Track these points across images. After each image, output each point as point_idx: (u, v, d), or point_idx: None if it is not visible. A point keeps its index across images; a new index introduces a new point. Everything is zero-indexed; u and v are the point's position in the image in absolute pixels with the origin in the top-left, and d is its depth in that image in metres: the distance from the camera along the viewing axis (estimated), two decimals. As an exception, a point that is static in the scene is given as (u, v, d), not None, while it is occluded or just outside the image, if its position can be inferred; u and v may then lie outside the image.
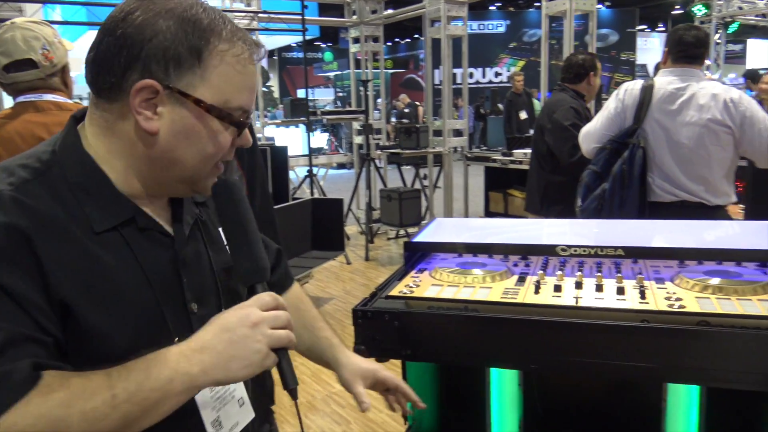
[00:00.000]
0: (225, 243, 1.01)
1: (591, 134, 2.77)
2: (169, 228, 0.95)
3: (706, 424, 1.65)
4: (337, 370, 1.29)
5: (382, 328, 1.33)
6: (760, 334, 1.12)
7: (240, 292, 1.02)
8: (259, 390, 1.19)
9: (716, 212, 2.54)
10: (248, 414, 1.04)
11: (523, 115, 8.66)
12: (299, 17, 6.50)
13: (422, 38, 8.77)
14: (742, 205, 3.38)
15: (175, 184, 0.92)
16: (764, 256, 1.40)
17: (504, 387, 1.82)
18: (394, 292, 1.40)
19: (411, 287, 1.42)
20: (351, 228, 7.02)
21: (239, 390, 1.03)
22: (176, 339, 0.86)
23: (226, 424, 0.98)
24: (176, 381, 0.79)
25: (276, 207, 4.58)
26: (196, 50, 0.84)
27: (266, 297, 0.87)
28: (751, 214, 3.30)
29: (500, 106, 10.93)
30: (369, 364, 1.29)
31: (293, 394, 0.88)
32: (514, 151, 5.64)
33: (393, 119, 13.36)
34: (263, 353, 0.83)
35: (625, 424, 1.68)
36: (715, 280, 1.31)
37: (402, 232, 6.58)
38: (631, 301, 1.27)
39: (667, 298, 1.26)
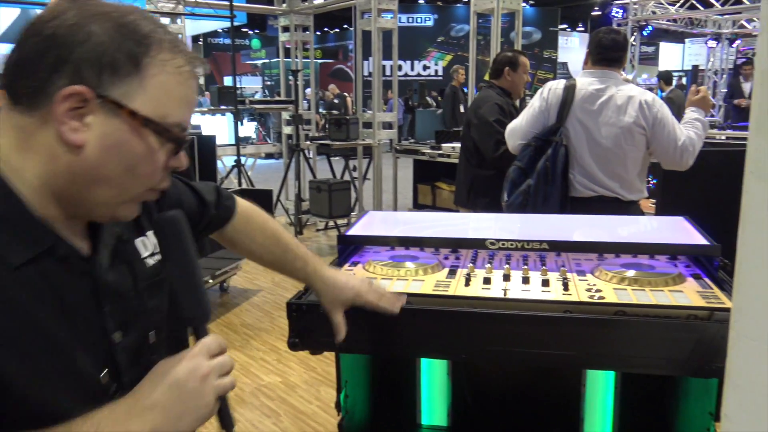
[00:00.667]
0: (147, 254, 0.95)
1: (516, 131, 2.87)
2: (88, 251, 0.86)
3: (621, 407, 1.76)
4: (316, 290, 1.29)
5: (316, 321, 1.34)
6: (669, 323, 1.21)
7: (162, 307, 0.98)
8: None
9: (630, 207, 2.69)
10: None
11: (463, 108, 8.81)
12: (227, 3, 6.34)
13: (352, 29, 8.76)
14: (653, 200, 3.60)
15: (97, 207, 0.83)
16: (674, 250, 1.50)
17: (434, 377, 1.87)
18: (329, 285, 1.41)
19: (345, 280, 1.44)
20: (280, 219, 6.95)
21: None
22: (104, 371, 0.82)
23: None
24: None
25: (203, 198, 4.49)
26: (134, 57, 0.77)
27: (212, 343, 0.83)
28: (661, 208, 3.53)
29: (429, 99, 11.06)
30: (347, 291, 1.26)
31: None
32: (443, 144, 5.74)
33: (321, 110, 13.29)
34: (210, 406, 0.80)
35: (548, 409, 1.76)
36: (631, 273, 1.39)
37: (331, 223, 6.58)
38: (555, 292, 1.33)
39: (588, 290, 1.34)
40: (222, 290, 4.77)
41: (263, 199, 4.98)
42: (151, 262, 0.97)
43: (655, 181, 3.71)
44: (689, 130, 2.62)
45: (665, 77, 10.53)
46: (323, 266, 1.29)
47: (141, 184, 0.83)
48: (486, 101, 3.52)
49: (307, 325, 1.35)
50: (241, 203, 1.26)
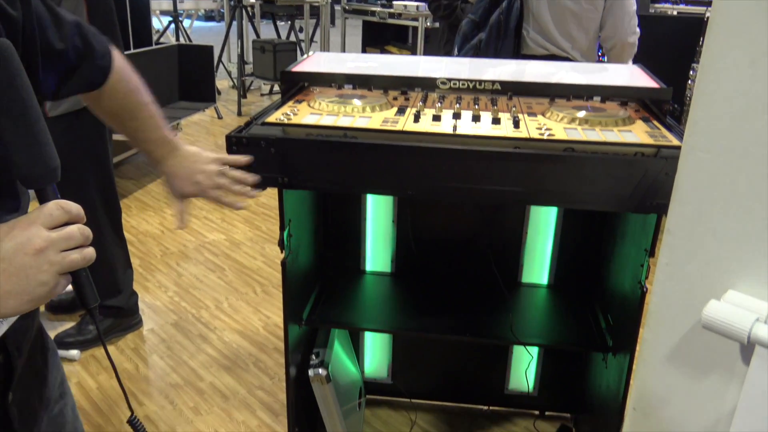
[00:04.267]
0: None
1: (473, -18, 2.73)
2: None
3: (560, 249, 1.81)
4: (163, 177, 1.20)
5: (258, 155, 1.27)
6: (617, 159, 1.20)
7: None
8: None
9: (580, 69, 2.66)
10: None
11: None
12: None
13: None
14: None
15: None
16: (627, 93, 1.48)
17: (379, 223, 1.87)
18: (271, 119, 1.34)
19: (289, 115, 1.36)
20: (222, 83, 6.65)
21: None
22: None
23: None
24: None
25: (137, 51, 4.19)
26: None
27: (54, 210, 0.69)
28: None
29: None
30: (191, 186, 1.20)
31: (92, 314, 0.75)
32: (395, 2, 5.46)
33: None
34: (50, 285, 0.68)
35: (490, 254, 1.80)
36: (582, 113, 1.37)
37: (276, 87, 6.34)
38: (505, 129, 1.30)
39: (539, 128, 1.31)
40: (162, 151, 4.60)
41: (203, 56, 4.71)
42: None
43: (604, 59, 3.65)
44: None
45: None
46: (174, 153, 1.17)
47: None
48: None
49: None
50: (116, 63, 1.03)
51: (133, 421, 0.78)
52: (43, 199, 0.70)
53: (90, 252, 0.71)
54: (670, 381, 0.87)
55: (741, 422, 0.74)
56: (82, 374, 2.25)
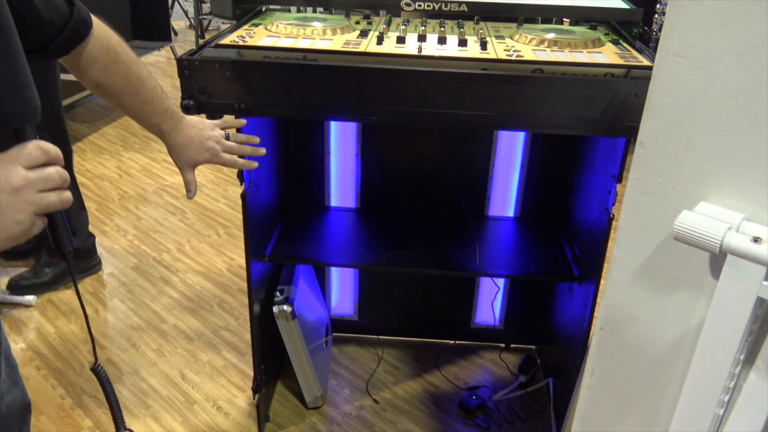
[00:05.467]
0: None
1: None
2: None
3: (528, 174, 1.79)
4: (170, 149, 1.16)
5: (212, 79, 1.20)
6: (587, 80, 1.16)
7: None
8: None
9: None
10: None
11: None
12: None
13: None
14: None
15: None
16: (597, 13, 1.43)
17: (342, 156, 1.82)
18: (226, 41, 1.26)
19: (244, 38, 1.28)
20: (179, 23, 6.37)
21: None
22: None
23: None
24: None
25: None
26: None
27: (33, 150, 0.68)
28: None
29: None
30: (203, 153, 1.17)
31: (68, 259, 0.75)
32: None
33: None
34: (26, 224, 0.68)
35: (457, 185, 1.77)
36: (551, 35, 1.32)
37: (235, 27, 6.10)
38: (472, 51, 1.25)
39: (506, 50, 1.26)
40: (117, 93, 4.41)
41: (156, -7, 4.47)
42: None
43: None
44: None
45: None
46: (180, 124, 1.14)
47: None
48: None
49: (202, 84, 1.21)
50: (99, 30, 1.01)
51: (96, 369, 0.74)
52: (21, 139, 0.70)
53: (68, 195, 0.71)
54: (638, 298, 0.86)
55: (710, 333, 0.73)
56: (39, 320, 2.18)
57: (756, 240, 0.67)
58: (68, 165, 2.29)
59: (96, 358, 0.77)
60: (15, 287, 2.25)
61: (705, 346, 0.74)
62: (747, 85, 0.70)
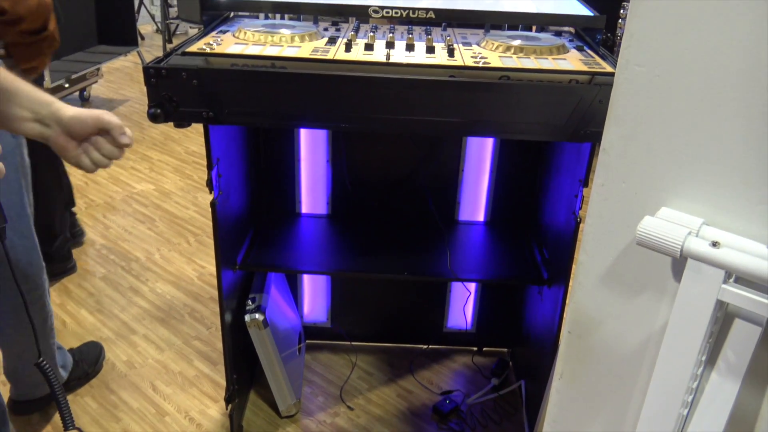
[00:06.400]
0: None
1: None
2: None
3: (497, 179, 1.81)
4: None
5: (179, 87, 1.19)
6: (552, 86, 1.18)
7: None
8: None
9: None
10: None
11: None
12: None
13: None
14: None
15: None
16: (561, 20, 1.46)
17: (312, 163, 1.81)
18: (193, 48, 1.25)
19: (212, 45, 1.28)
20: (146, 27, 6.29)
21: None
22: None
23: None
24: None
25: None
26: None
27: None
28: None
29: None
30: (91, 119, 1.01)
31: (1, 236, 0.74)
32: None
33: None
34: None
35: (427, 190, 1.78)
36: (517, 42, 1.34)
37: (204, 32, 6.04)
38: (440, 58, 1.26)
39: (474, 57, 1.28)
40: (83, 99, 4.34)
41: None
42: None
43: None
44: None
45: None
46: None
47: None
48: None
49: (169, 93, 1.20)
50: None
51: (40, 365, 0.73)
52: None
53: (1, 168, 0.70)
54: (604, 302, 0.87)
55: (672, 335, 0.75)
56: (4, 332, 2.13)
57: (714, 244, 0.68)
58: (54, 164, 2.26)
59: (39, 354, 0.75)
60: None
61: (668, 348, 0.76)
62: (704, 93, 0.72)
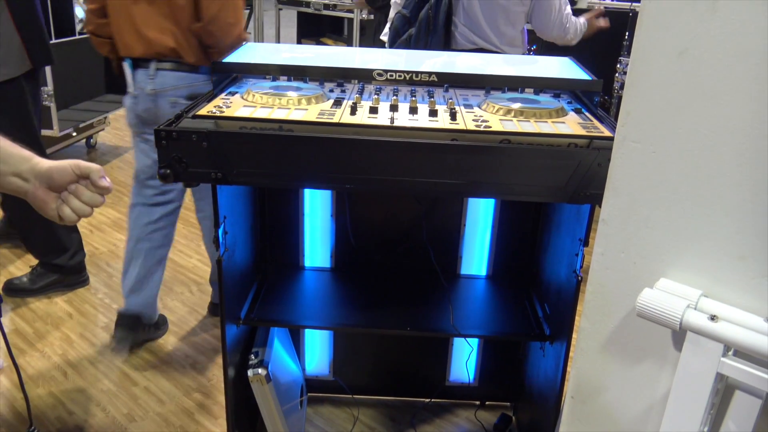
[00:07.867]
0: None
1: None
2: None
3: (498, 234, 1.83)
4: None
5: (189, 149, 1.22)
6: (552, 150, 1.21)
7: None
8: None
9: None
10: None
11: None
12: None
13: None
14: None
15: None
16: (559, 84, 1.50)
17: (317, 217, 1.84)
18: (203, 111, 1.29)
19: (221, 108, 1.32)
20: (152, 75, 6.41)
21: None
22: None
23: None
24: None
25: (59, 41, 3.98)
26: None
27: None
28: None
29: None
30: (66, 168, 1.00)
31: None
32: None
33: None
34: None
35: (429, 244, 1.80)
36: (517, 105, 1.38)
37: (209, 80, 6.16)
38: (442, 121, 1.30)
39: (475, 120, 1.31)
40: (89, 146, 4.41)
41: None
42: None
43: (534, 47, 3.72)
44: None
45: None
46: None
47: None
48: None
49: (179, 154, 1.23)
50: None
51: None
52: None
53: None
54: (606, 369, 0.88)
55: (674, 406, 0.76)
56: (5, 384, 2.13)
57: (713, 318, 0.70)
58: None
59: (31, 422, 0.77)
60: (9, 289, 2.58)
61: (670, 419, 0.77)
62: (699, 170, 0.74)
